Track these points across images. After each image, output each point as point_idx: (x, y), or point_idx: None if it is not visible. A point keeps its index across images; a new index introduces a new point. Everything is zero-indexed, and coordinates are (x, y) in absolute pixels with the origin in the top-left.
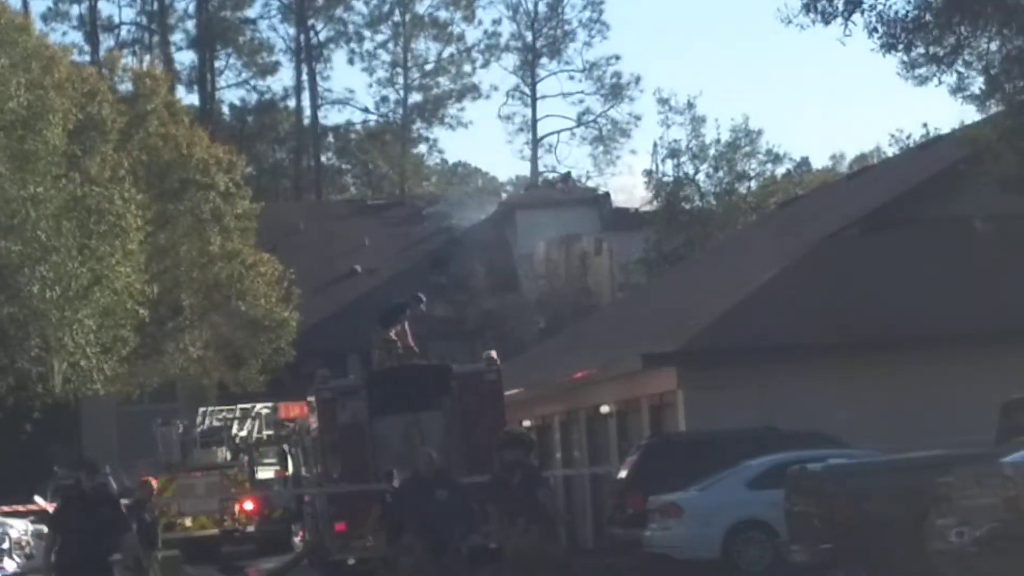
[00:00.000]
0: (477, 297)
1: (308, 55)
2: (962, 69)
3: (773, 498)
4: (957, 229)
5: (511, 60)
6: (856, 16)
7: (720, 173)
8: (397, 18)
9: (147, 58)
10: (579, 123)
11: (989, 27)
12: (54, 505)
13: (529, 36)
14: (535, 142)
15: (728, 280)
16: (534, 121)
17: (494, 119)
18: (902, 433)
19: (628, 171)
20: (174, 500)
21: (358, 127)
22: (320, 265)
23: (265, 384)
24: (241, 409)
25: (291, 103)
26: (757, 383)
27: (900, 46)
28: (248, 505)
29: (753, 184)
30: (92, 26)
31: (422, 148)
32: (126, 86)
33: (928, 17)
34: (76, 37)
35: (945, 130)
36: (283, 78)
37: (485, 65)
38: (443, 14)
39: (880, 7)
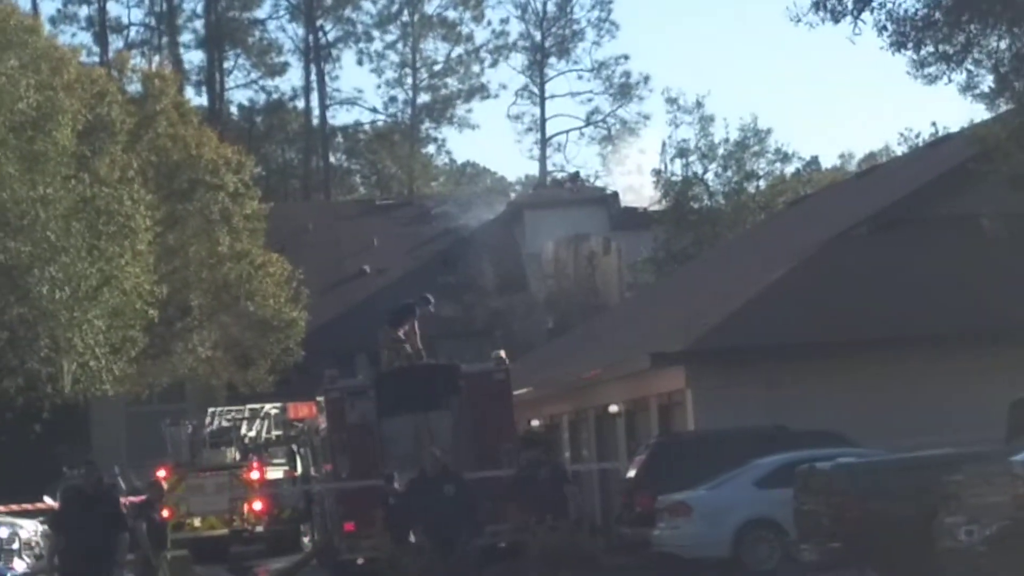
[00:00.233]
0: (485, 297)
1: (317, 55)
2: (971, 67)
3: (782, 497)
4: (966, 228)
5: (520, 60)
6: (865, 14)
7: (729, 172)
8: (406, 18)
9: (156, 59)
10: (588, 123)
11: (999, 25)
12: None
13: (538, 36)
14: (544, 142)
15: (737, 279)
16: (543, 121)
17: (503, 119)
18: (911, 432)
19: (637, 171)
20: (184, 500)
21: (367, 127)
22: (329, 265)
23: (274, 384)
24: (250, 409)
25: (300, 103)
26: (766, 382)
27: (910, 44)
28: (257, 505)
29: (762, 183)
30: (101, 27)
31: (431, 148)
32: (135, 87)
33: (938, 15)
34: (85, 38)
35: (954, 129)
36: (292, 78)
37: (494, 65)
38: (452, 14)
39: (890, 5)
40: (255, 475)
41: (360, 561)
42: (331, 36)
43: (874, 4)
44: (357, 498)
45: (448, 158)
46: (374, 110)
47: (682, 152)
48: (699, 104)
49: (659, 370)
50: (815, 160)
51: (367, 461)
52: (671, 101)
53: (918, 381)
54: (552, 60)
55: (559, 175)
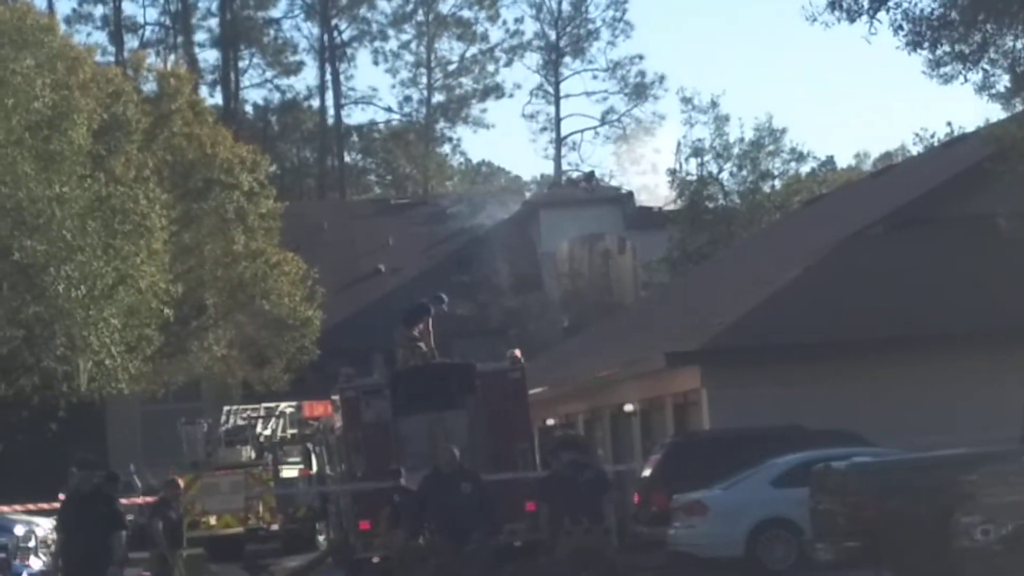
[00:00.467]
0: (500, 296)
1: (332, 54)
2: (988, 67)
3: (798, 496)
4: (981, 227)
5: (534, 59)
6: (881, 14)
7: (744, 172)
8: (421, 17)
9: (171, 58)
10: (603, 122)
11: (1015, 25)
12: None
13: (553, 35)
14: (559, 141)
15: (752, 279)
16: (558, 120)
17: (517, 118)
18: (926, 431)
19: (652, 170)
20: (199, 498)
21: (381, 127)
22: (344, 264)
23: (289, 383)
24: (265, 408)
25: (315, 103)
26: (781, 381)
27: (925, 44)
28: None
29: (777, 183)
30: (116, 27)
31: (446, 148)
32: (150, 86)
33: (954, 15)
34: (100, 38)
35: (970, 128)
36: (307, 77)
37: (508, 64)
38: (466, 13)
39: (905, 5)
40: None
41: (375, 559)
42: (346, 35)
43: (890, 3)
44: (372, 497)
45: (463, 157)
46: (389, 109)
47: (697, 152)
48: (714, 104)
49: (674, 369)
50: (830, 160)
51: (382, 460)
52: (686, 101)
53: (933, 380)
54: (567, 59)
55: (574, 174)
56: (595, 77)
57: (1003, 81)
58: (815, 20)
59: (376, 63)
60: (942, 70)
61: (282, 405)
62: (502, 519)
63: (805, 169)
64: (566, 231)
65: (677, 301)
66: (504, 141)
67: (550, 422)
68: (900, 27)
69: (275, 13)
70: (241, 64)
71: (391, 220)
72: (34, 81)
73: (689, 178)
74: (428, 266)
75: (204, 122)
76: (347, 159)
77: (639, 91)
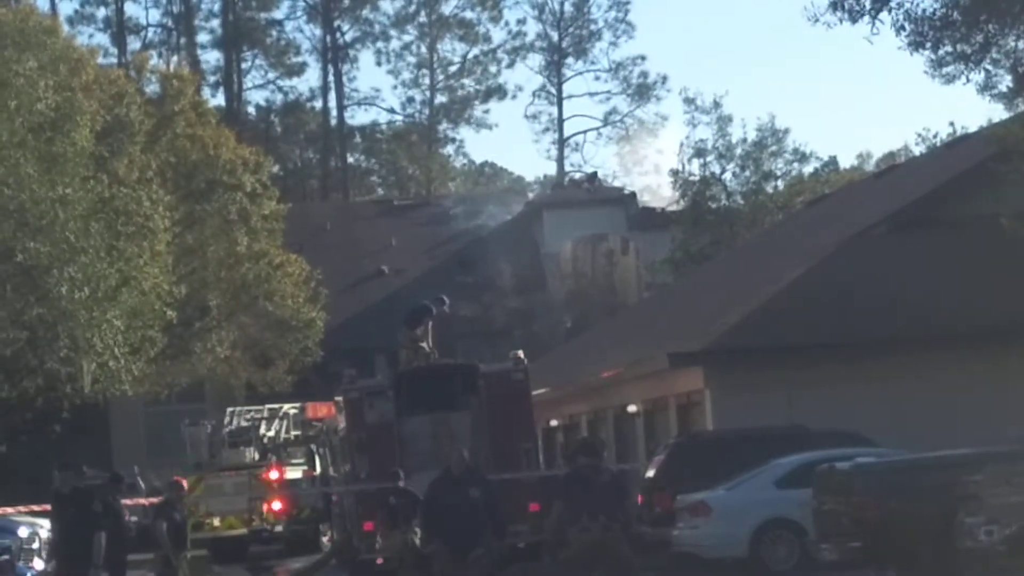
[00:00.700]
0: (504, 297)
1: (334, 55)
2: (990, 67)
3: (801, 497)
4: (985, 227)
5: (537, 60)
6: (883, 14)
7: (747, 172)
8: (423, 19)
9: (173, 59)
10: (605, 123)
11: (1017, 25)
12: None
13: (555, 36)
14: (561, 142)
15: (755, 279)
16: (560, 121)
17: (520, 119)
18: (929, 431)
19: (654, 171)
20: (203, 500)
21: (384, 127)
22: (347, 265)
23: (292, 384)
24: (269, 409)
25: (317, 104)
26: (784, 382)
27: (928, 44)
28: (276, 505)
29: (780, 183)
30: (119, 28)
31: (448, 148)
32: (153, 88)
33: (956, 15)
34: (102, 39)
35: (973, 128)
36: (309, 78)
37: (511, 65)
38: (469, 14)
39: (907, 5)
40: (274, 475)
41: (379, 561)
42: (348, 36)
43: (892, 4)
44: (376, 498)
45: (466, 158)
46: (392, 110)
47: (700, 152)
48: (717, 104)
49: (678, 370)
50: (833, 160)
51: (386, 461)
52: (689, 101)
53: (937, 381)
54: (569, 60)
55: (577, 175)
56: (597, 78)
57: (1005, 81)
58: (817, 21)
59: (379, 64)
60: (944, 70)
61: (286, 406)
62: (508, 522)
63: (808, 169)
64: (569, 232)
65: (680, 302)
66: (507, 142)
67: (554, 423)
68: (902, 27)
69: (277, 14)
70: (244, 65)
71: (394, 221)
72: (37, 83)
73: (692, 179)
74: (431, 267)
75: (207, 123)
76: (350, 160)
77: (642, 92)
